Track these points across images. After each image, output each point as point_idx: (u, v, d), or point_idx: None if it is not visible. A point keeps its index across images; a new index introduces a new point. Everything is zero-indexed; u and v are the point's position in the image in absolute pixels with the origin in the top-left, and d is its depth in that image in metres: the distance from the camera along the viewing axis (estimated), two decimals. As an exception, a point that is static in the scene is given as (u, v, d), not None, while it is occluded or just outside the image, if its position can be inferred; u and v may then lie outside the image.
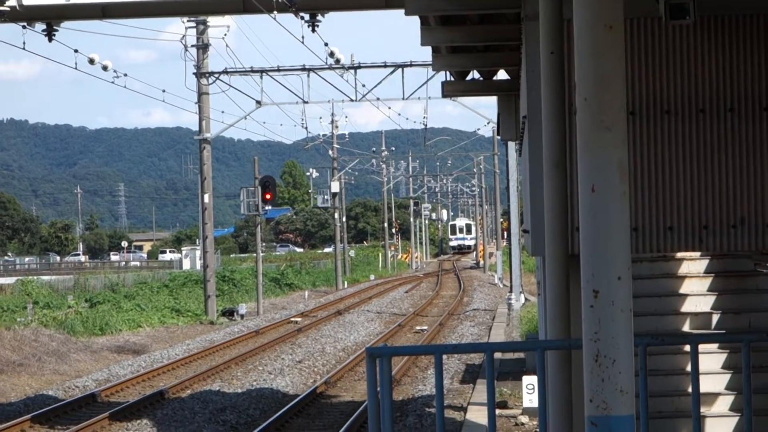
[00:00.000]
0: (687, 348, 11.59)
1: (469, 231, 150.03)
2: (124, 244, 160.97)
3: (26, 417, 21.41)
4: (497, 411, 17.56)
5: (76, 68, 31.18)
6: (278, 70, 45.98)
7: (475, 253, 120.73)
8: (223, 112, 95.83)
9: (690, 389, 8.05)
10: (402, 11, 11.64)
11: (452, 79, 16.45)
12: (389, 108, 53.45)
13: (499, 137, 19.76)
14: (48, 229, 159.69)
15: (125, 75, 36.89)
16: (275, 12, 19.53)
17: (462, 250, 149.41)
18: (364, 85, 46.43)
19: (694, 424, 7.94)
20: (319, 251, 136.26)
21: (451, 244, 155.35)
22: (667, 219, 9.24)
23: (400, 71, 45.21)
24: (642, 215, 9.23)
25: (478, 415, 19.04)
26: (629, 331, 5.97)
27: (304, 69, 45.67)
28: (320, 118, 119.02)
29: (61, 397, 24.78)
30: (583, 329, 6.00)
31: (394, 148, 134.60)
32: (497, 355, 26.06)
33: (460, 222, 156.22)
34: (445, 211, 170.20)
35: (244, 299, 56.09)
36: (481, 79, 16.24)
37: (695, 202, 9.23)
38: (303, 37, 27.68)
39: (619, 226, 5.96)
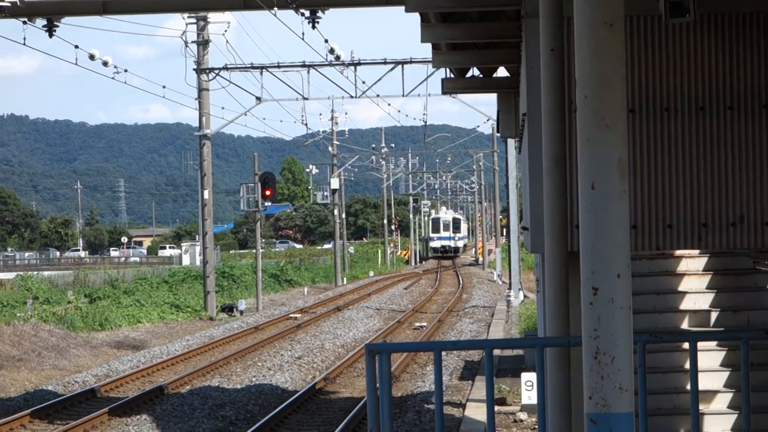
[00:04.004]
0: (686, 345, 11.61)
1: (457, 228, 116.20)
2: (124, 239, 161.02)
3: (26, 412, 21.43)
4: (496, 408, 17.59)
5: (76, 64, 31.22)
6: (278, 67, 46.01)
7: (474, 249, 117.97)
8: (223, 108, 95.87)
9: (689, 386, 8.07)
10: (402, 8, 11.65)
11: (452, 76, 16.47)
12: (389, 105, 53.47)
13: (498, 134, 19.75)
14: (48, 225, 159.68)
15: (125, 71, 36.92)
16: (275, 8, 19.55)
17: (447, 254, 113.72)
18: (364, 82, 46.41)
19: (692, 422, 7.96)
20: (319, 248, 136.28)
21: (433, 245, 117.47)
22: (667, 216, 9.26)
23: (400, 68, 45.26)
24: (641, 213, 9.24)
25: (476, 411, 19.07)
26: (628, 328, 5.98)
27: (304, 65, 45.72)
28: (320, 114, 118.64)
29: (60, 393, 24.80)
30: (583, 326, 6.01)
31: (393, 145, 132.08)
32: (496, 352, 26.08)
33: (446, 216, 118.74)
34: (444, 208, 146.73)
35: (243, 295, 56.11)
36: (481, 76, 16.25)
37: (694, 199, 9.25)
38: (303, 34, 27.74)
39: (619, 224, 5.97)
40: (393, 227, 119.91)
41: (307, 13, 20.07)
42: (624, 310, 5.96)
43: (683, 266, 13.58)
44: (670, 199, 9.24)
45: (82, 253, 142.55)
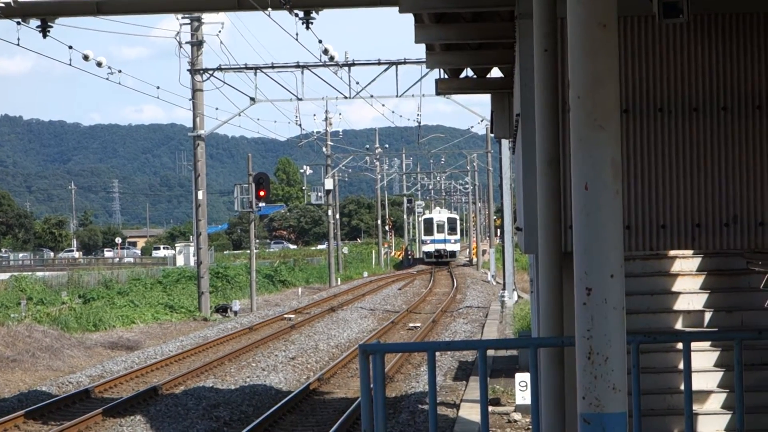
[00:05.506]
0: (679, 346, 11.62)
1: (452, 230, 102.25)
2: (118, 240, 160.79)
3: (20, 413, 21.41)
4: (490, 408, 17.59)
5: (70, 64, 31.20)
6: (272, 67, 45.99)
7: (468, 250, 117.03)
8: (217, 108, 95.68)
9: (682, 387, 8.08)
10: (396, 8, 11.65)
11: (446, 76, 16.47)
12: (383, 105, 53.84)
13: (492, 135, 19.79)
14: (42, 225, 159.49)
15: (119, 71, 36.90)
16: (269, 9, 19.54)
17: (441, 259, 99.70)
18: (357, 83, 46.40)
19: (686, 422, 7.97)
20: (313, 248, 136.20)
21: (425, 249, 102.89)
22: (660, 217, 9.27)
23: (393, 68, 45.23)
24: (635, 213, 9.25)
25: (470, 412, 19.08)
26: (622, 328, 5.98)
27: (298, 66, 45.68)
28: (314, 115, 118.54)
29: (54, 393, 24.79)
30: (576, 327, 6.02)
31: (387, 146, 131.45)
32: (490, 352, 26.09)
33: (440, 216, 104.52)
34: (438, 208, 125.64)
35: (237, 296, 56.10)
36: (475, 76, 16.26)
37: (688, 200, 9.26)
38: (297, 34, 27.69)
39: (612, 224, 5.98)
40: (387, 228, 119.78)
41: (300, 14, 20.07)
42: (617, 311, 5.97)
43: (677, 267, 13.60)
44: (663, 200, 9.25)
45: (76, 254, 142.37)
